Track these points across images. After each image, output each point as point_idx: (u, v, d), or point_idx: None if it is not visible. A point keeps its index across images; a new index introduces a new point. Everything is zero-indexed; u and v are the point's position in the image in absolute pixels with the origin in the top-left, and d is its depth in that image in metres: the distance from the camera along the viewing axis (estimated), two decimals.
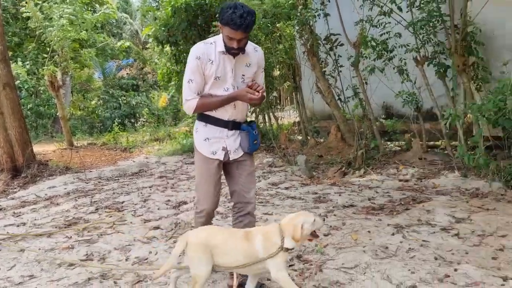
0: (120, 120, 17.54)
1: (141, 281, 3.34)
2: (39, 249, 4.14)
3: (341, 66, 8.01)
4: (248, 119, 3.32)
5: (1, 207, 5.96)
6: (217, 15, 9.03)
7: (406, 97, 6.75)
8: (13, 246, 4.25)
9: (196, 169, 3.19)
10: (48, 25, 12.98)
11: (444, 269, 3.17)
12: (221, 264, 2.71)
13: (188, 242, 2.73)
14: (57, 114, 14.41)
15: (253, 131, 3.11)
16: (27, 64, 16.04)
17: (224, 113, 3.03)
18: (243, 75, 3.03)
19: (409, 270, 3.20)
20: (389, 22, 6.83)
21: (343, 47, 7.83)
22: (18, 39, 17.68)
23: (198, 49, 2.93)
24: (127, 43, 22.48)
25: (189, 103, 2.98)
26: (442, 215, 4.38)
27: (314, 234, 2.81)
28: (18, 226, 5.01)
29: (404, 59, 6.88)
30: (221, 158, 3.06)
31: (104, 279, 3.39)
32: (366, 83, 7.49)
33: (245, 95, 2.93)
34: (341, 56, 7.96)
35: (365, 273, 3.23)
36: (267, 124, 10.83)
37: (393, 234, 3.97)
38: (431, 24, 6.32)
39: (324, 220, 2.89)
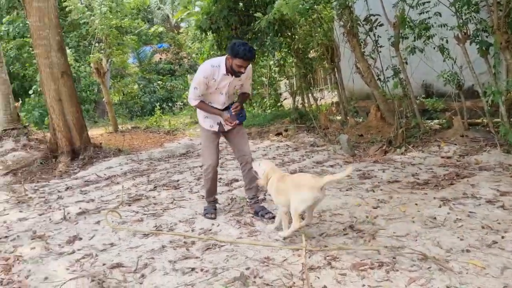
0: (159, 104, 18.07)
1: (210, 248, 3.72)
2: (113, 221, 4.58)
3: (381, 46, 8.13)
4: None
5: (68, 186, 6.49)
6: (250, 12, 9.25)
7: (448, 76, 6.85)
8: (112, 221, 4.71)
9: (201, 138, 4.53)
10: (90, 15, 13.49)
11: (491, 236, 3.41)
12: None
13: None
14: (102, 99, 15.04)
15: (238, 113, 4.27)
16: (71, 52, 16.67)
17: (219, 103, 4.27)
18: (235, 86, 4.26)
19: (458, 237, 3.45)
20: (429, 1, 6.90)
21: (383, 28, 7.94)
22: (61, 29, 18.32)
23: (206, 71, 4.07)
24: (160, 28, 22.93)
25: (192, 102, 4.29)
26: (487, 188, 4.57)
27: None
28: (87, 202, 5.49)
29: (445, 37, 6.95)
30: (216, 129, 4.37)
31: (177, 246, 3.79)
32: (406, 62, 7.60)
33: (224, 119, 4.21)
34: (380, 37, 8.07)
35: (416, 240, 3.50)
36: (306, 104, 11.05)
37: (440, 207, 4.21)
38: (473, 1, 6.37)
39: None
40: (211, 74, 4.07)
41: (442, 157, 6.30)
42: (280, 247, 3.59)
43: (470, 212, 3.99)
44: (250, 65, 4.21)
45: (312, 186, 3.51)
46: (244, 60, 3.90)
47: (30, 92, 15.63)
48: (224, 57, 4.09)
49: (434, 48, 7.11)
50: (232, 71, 4.04)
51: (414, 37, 7.14)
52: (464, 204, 4.21)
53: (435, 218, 3.92)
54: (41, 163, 8.05)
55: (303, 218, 3.71)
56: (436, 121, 7.99)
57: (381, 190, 4.99)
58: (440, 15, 6.84)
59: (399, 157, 6.65)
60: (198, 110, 4.44)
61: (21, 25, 16.27)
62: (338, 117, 10.39)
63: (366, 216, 4.15)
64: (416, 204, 4.35)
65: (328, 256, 3.33)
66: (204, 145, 4.47)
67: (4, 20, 18.25)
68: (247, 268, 3.25)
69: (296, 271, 3.15)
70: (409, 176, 5.52)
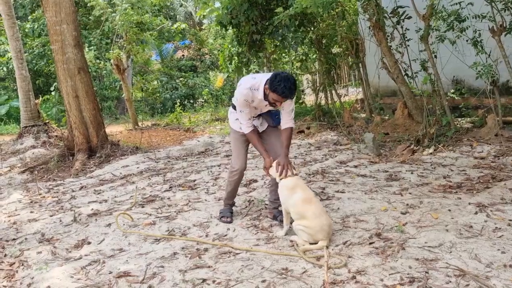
0: (179, 101, 17.93)
1: (224, 255, 3.45)
2: (124, 224, 4.36)
3: (409, 40, 7.72)
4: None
5: (82, 185, 6.32)
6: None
7: (481, 69, 6.41)
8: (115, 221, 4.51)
9: (231, 140, 4.29)
10: (112, 11, 13.39)
11: None
12: None
13: None
14: (122, 96, 14.97)
15: (273, 112, 4.05)
16: (93, 49, 16.67)
17: (255, 114, 4.03)
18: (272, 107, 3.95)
19: (499, 249, 3.10)
20: None
21: (411, 20, 7.53)
22: (82, 26, 18.39)
23: (246, 95, 3.76)
24: (183, 25, 22.80)
25: (242, 127, 3.95)
26: None
27: None
28: (100, 203, 5.29)
29: (479, 30, 6.52)
30: None
31: (189, 253, 3.53)
32: (436, 56, 7.19)
33: (265, 164, 3.94)
34: (408, 29, 7.65)
35: (451, 252, 3.16)
36: (329, 101, 10.69)
37: (476, 213, 3.85)
38: None
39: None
40: (250, 97, 3.78)
41: (475, 158, 5.89)
42: (299, 257, 3.29)
43: (510, 220, 3.62)
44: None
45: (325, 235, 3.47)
46: (282, 97, 3.59)
47: (51, 89, 15.69)
48: (265, 78, 3.70)
49: (467, 40, 6.68)
50: (268, 100, 3.73)
51: (446, 30, 6.72)
52: (503, 211, 3.84)
53: (471, 226, 3.57)
54: (58, 160, 7.93)
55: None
56: (468, 119, 7.54)
57: (409, 193, 4.64)
58: (472, 5, 6.42)
59: (428, 157, 6.26)
60: (230, 110, 4.18)
61: (45, 22, 16.33)
62: (363, 115, 10.00)
63: (394, 222, 3.82)
64: (449, 210, 3.99)
65: (353, 268, 3.03)
66: (234, 147, 4.23)
67: (29, 17, 18.43)
68: (263, 281, 2.97)
69: (317, 285, 2.85)
70: (440, 178, 5.14)
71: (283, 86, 3.50)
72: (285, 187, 3.70)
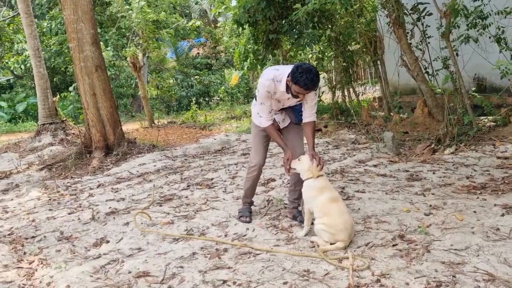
0: (195, 99, 17.96)
1: (244, 256, 3.40)
2: (142, 223, 4.34)
3: (429, 37, 7.57)
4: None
5: (100, 183, 6.33)
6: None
7: (506, 67, 6.24)
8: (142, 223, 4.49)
9: (252, 134, 4.17)
10: (128, 9, 13.43)
11: None
12: None
13: None
14: (138, 93, 15.02)
15: (296, 108, 3.92)
16: (110, 48, 16.75)
17: (277, 108, 3.93)
18: (296, 101, 3.82)
19: None
20: None
21: (432, 17, 7.38)
22: (98, 24, 18.50)
23: (269, 86, 3.66)
24: (198, 22, 22.80)
25: (262, 120, 3.87)
26: None
27: None
28: (118, 201, 5.28)
29: (502, 27, 6.36)
30: None
31: (208, 253, 3.49)
32: (457, 54, 7.03)
33: (285, 158, 3.83)
34: (429, 26, 7.51)
35: (478, 255, 3.06)
36: (347, 99, 10.57)
37: (502, 215, 3.73)
38: None
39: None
40: (273, 89, 3.67)
41: (499, 158, 5.74)
42: (321, 259, 3.22)
43: None
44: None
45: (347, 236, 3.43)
46: (304, 89, 3.46)
47: (71, 88, 15.81)
48: (288, 70, 3.58)
49: (489, 37, 6.52)
50: (290, 92, 3.61)
51: (468, 26, 6.56)
52: None
53: (498, 229, 3.45)
54: (75, 158, 7.96)
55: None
56: (490, 117, 7.37)
57: (432, 194, 4.52)
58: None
59: (450, 157, 6.12)
60: (253, 103, 4.02)
61: (62, 21, 16.47)
62: (381, 113, 9.86)
63: (417, 224, 3.72)
64: (474, 212, 3.87)
65: (377, 271, 2.95)
66: (253, 142, 4.12)
67: (46, 16, 18.59)
68: (285, 283, 2.90)
69: None
70: (463, 178, 5.01)
71: (305, 78, 3.38)
72: (313, 187, 3.58)
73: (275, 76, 3.65)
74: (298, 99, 3.67)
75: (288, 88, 3.61)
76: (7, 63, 18.29)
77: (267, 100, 3.74)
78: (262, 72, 3.85)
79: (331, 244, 3.40)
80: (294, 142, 3.99)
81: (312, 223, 3.62)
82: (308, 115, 3.83)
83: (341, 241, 3.37)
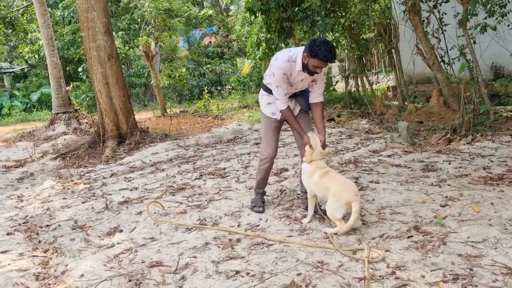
0: (207, 88, 17.92)
1: (257, 247, 3.38)
2: (155, 213, 4.34)
3: (446, 25, 7.41)
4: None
5: (113, 172, 6.35)
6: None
7: None
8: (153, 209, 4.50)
9: (262, 125, 4.13)
10: None
11: None
12: None
13: None
14: (150, 82, 15.03)
15: (307, 94, 3.94)
16: (120, 35, 16.73)
17: (288, 94, 3.85)
18: (308, 82, 3.82)
19: None
20: None
21: (449, 4, 7.22)
22: (111, 14, 18.47)
23: (284, 68, 3.62)
24: (210, 11, 22.68)
25: (279, 103, 3.79)
26: None
27: None
28: (131, 190, 5.30)
29: None
30: (279, 118, 3.95)
31: (221, 243, 3.48)
32: (475, 42, 6.88)
33: (304, 142, 3.79)
34: (446, 13, 7.35)
35: (496, 248, 3.00)
36: (360, 89, 10.45)
37: None
38: None
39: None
40: (289, 70, 3.64)
41: None
42: (335, 250, 3.19)
43: None
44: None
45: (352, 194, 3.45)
46: (323, 62, 3.45)
47: (79, 70, 15.84)
48: (301, 50, 3.59)
49: (508, 25, 6.36)
50: (307, 69, 3.59)
51: (486, 14, 6.40)
52: None
53: None
54: (89, 147, 8.00)
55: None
56: (508, 107, 7.22)
57: (448, 185, 4.45)
58: None
59: (466, 147, 6.02)
60: (261, 93, 4.07)
61: (75, 10, 16.48)
62: (395, 103, 9.73)
63: (433, 215, 3.66)
64: (491, 204, 3.80)
65: (392, 263, 2.91)
66: (264, 133, 4.09)
67: (59, 5, 18.65)
68: (298, 274, 2.88)
69: (354, 280, 2.75)
70: (480, 169, 4.93)
71: (324, 49, 3.37)
72: (305, 171, 3.76)
73: (289, 57, 3.64)
74: (313, 77, 3.70)
75: (304, 67, 3.59)
76: (21, 52, 18.41)
77: (283, 82, 3.70)
78: (274, 56, 3.80)
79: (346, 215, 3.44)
80: (304, 127, 3.96)
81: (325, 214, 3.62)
82: (317, 95, 3.87)
83: (352, 202, 3.38)
